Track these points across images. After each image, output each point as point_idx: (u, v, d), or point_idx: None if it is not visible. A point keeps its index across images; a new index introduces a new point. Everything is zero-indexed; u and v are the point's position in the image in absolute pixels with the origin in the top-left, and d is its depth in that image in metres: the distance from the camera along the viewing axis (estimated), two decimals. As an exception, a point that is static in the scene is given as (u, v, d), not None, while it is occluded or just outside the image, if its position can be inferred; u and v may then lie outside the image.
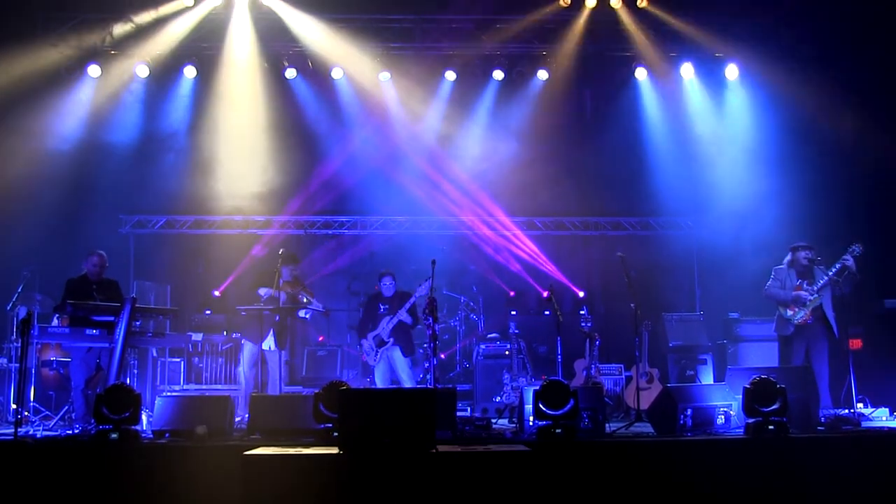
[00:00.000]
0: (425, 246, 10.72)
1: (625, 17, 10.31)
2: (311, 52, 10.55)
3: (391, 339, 8.81)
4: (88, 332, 7.49)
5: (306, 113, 10.99)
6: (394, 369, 8.89)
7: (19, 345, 8.11)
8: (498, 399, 9.16)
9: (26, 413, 8.01)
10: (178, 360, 10.20)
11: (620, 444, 6.45)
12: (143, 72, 10.33)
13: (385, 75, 10.68)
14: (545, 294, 9.33)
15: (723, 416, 6.79)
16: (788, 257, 8.27)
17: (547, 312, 10.83)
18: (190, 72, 10.48)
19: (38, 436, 6.82)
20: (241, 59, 10.44)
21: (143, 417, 6.97)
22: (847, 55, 9.87)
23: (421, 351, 10.07)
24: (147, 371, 9.51)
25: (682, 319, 10.23)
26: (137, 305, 7.59)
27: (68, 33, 10.13)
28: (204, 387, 10.12)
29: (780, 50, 10.11)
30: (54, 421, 7.74)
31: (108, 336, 7.44)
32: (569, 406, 6.30)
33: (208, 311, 10.83)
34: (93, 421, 6.45)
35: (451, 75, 10.74)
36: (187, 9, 10.10)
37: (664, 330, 10.04)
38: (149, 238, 11.44)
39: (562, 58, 10.62)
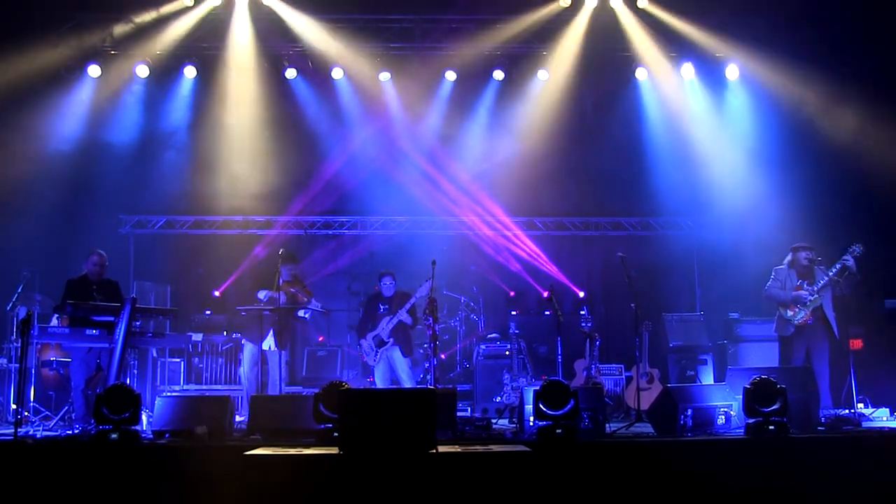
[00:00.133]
0: (425, 246, 10.71)
1: (625, 17, 10.32)
2: (311, 52, 10.54)
3: (391, 340, 8.81)
4: (88, 332, 7.49)
5: (306, 113, 10.98)
6: (393, 369, 8.88)
7: (19, 345, 8.10)
8: (498, 399, 9.15)
9: (26, 413, 8.01)
10: (178, 360, 10.19)
11: (621, 445, 6.44)
12: (143, 72, 10.33)
13: (385, 75, 10.69)
14: (545, 294, 9.33)
15: (723, 417, 6.79)
16: (789, 258, 8.27)
17: (547, 312, 10.83)
18: (190, 72, 10.47)
19: (38, 436, 6.82)
20: (241, 59, 10.43)
21: (143, 418, 6.97)
22: (847, 55, 9.86)
23: (421, 351, 10.07)
24: (147, 371, 9.51)
25: (682, 320, 10.23)
26: (137, 306, 7.58)
27: (68, 33, 10.12)
28: (204, 387, 10.12)
29: (781, 50, 10.10)
30: (54, 421, 7.73)
31: (108, 336, 7.44)
32: (569, 406, 6.30)
33: (208, 312, 10.82)
34: (93, 421, 6.44)
35: (451, 75, 10.74)
36: (187, 9, 10.10)
37: (664, 330, 10.03)
38: (149, 238, 11.43)
39: (562, 58, 10.62)
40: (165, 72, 10.54)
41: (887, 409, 7.90)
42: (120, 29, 10.21)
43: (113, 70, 10.37)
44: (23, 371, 6.99)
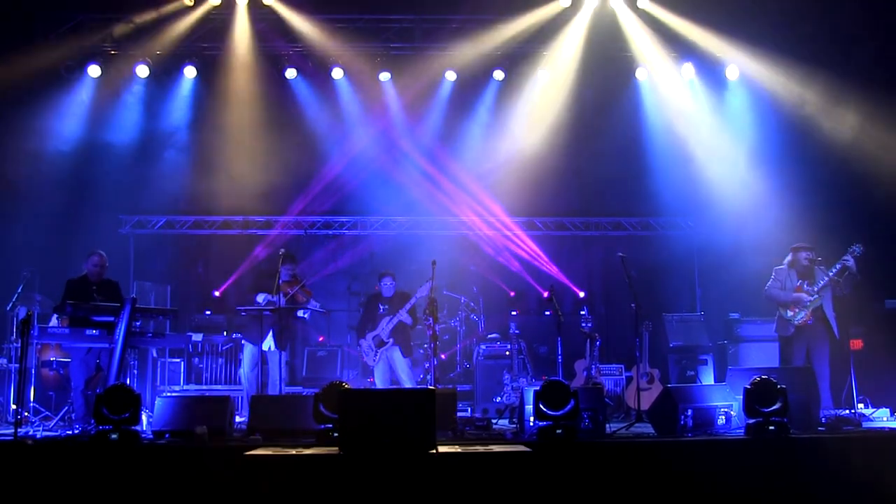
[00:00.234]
0: (426, 246, 10.72)
1: (625, 17, 10.32)
2: (311, 52, 10.54)
3: (391, 340, 8.80)
4: (88, 332, 7.48)
5: (306, 113, 10.98)
6: (393, 370, 8.88)
7: (19, 345, 8.10)
8: (498, 399, 9.15)
9: (26, 413, 8.00)
10: (178, 360, 10.20)
11: (621, 445, 6.44)
12: (143, 72, 10.32)
13: (385, 75, 10.68)
14: (546, 294, 9.32)
15: (723, 417, 6.78)
16: (789, 258, 8.26)
17: (547, 313, 10.83)
18: (190, 72, 10.47)
19: (38, 436, 6.81)
20: (241, 59, 10.43)
21: (143, 418, 6.96)
22: (847, 55, 9.87)
23: (421, 351, 10.06)
24: (147, 371, 9.51)
25: (682, 320, 10.23)
26: (137, 306, 7.58)
27: (68, 33, 10.13)
28: (204, 387, 10.13)
29: (781, 51, 10.10)
30: (54, 421, 7.72)
31: (108, 336, 7.43)
32: (569, 406, 6.29)
33: (208, 312, 10.83)
34: (93, 421, 6.44)
35: (451, 75, 10.73)
36: (187, 9, 10.09)
37: (665, 330, 10.03)
38: (149, 238, 11.43)
39: (562, 58, 10.62)
40: (165, 72, 10.54)
41: (888, 410, 7.90)
42: (120, 29, 10.20)
43: (113, 70, 10.36)
44: (23, 371, 6.98)
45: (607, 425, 6.99)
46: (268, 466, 5.40)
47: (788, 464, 6.09)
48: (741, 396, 6.50)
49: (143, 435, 6.58)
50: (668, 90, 10.85)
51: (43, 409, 8.23)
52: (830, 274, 7.88)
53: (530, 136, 11.00)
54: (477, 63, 10.73)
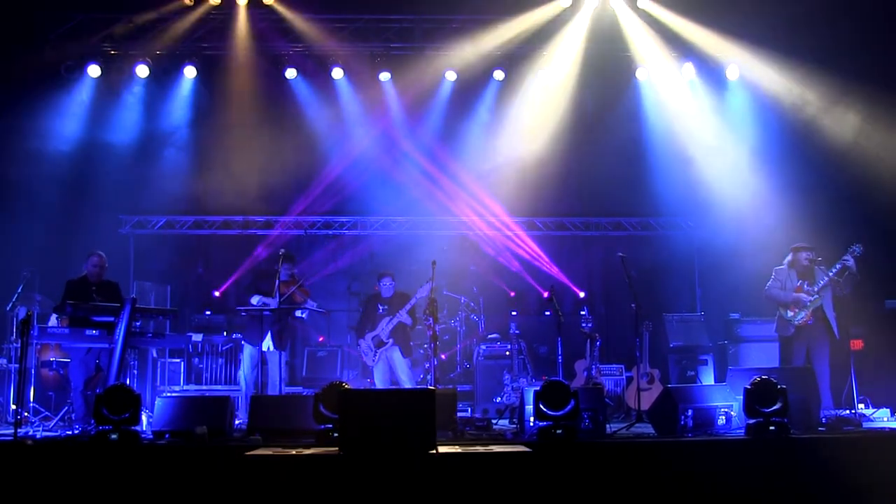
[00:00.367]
0: (426, 246, 10.71)
1: (625, 17, 10.32)
2: (311, 52, 10.55)
3: (390, 340, 8.80)
4: (88, 332, 7.48)
5: (306, 113, 10.98)
6: (393, 370, 8.87)
7: (19, 345, 8.10)
8: (498, 400, 9.15)
9: (26, 414, 7.99)
10: (178, 360, 10.20)
11: (621, 445, 6.43)
12: (143, 72, 10.32)
13: (385, 75, 10.68)
14: (546, 294, 9.32)
15: (724, 417, 6.77)
16: (789, 258, 8.26)
17: (547, 313, 10.82)
18: (190, 72, 10.47)
19: (38, 436, 6.81)
20: (241, 58, 10.43)
21: (143, 418, 6.96)
22: (847, 55, 9.86)
23: (421, 351, 10.06)
24: (147, 372, 9.51)
25: (682, 320, 10.23)
26: (137, 306, 7.57)
27: (68, 33, 10.13)
28: (204, 387, 10.12)
29: (781, 51, 10.10)
30: (54, 422, 7.72)
31: (108, 337, 7.43)
32: (569, 407, 6.29)
33: (208, 312, 10.82)
34: (92, 422, 6.43)
35: (451, 75, 10.73)
36: (187, 9, 10.08)
37: (665, 330, 10.03)
38: (149, 238, 11.43)
39: (562, 58, 10.62)
40: (165, 72, 10.54)
41: (888, 410, 7.89)
42: (120, 29, 10.21)
43: (113, 70, 10.37)
44: (22, 371, 6.98)
45: (607, 425, 6.98)
46: (268, 466, 5.40)
47: (789, 464, 6.08)
48: (741, 396, 6.49)
49: (143, 435, 6.57)
50: (669, 90, 10.84)
51: (43, 410, 8.23)
52: (830, 274, 7.88)
53: (530, 136, 11.00)
54: (477, 63, 10.73)
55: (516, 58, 10.76)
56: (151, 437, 6.61)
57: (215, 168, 10.83)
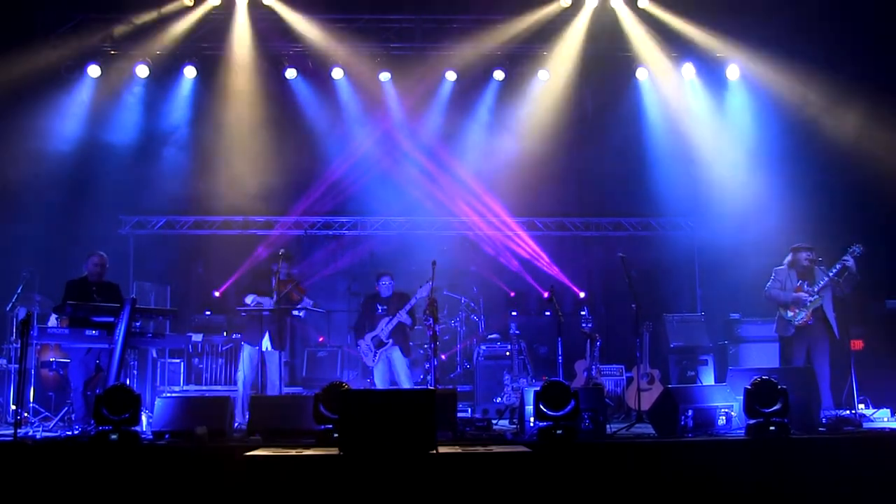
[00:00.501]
0: (426, 246, 10.71)
1: (625, 17, 10.32)
2: (311, 52, 10.55)
3: (390, 340, 8.78)
4: (88, 332, 7.47)
5: (306, 113, 10.98)
6: (393, 370, 8.85)
7: (19, 346, 8.09)
8: (498, 400, 9.14)
9: (26, 414, 7.99)
10: (178, 360, 10.19)
11: (621, 446, 6.43)
12: (143, 72, 10.32)
13: (385, 75, 10.68)
14: (546, 295, 9.30)
15: (724, 417, 6.77)
16: (789, 258, 8.25)
17: (548, 313, 10.82)
18: (190, 72, 10.47)
19: (38, 437, 6.81)
20: (241, 59, 10.43)
21: (143, 418, 6.96)
22: (848, 55, 9.86)
23: (421, 351, 10.06)
24: (147, 372, 9.50)
25: (682, 320, 10.22)
26: (137, 306, 7.57)
27: (68, 33, 10.13)
28: (204, 388, 10.11)
29: (782, 51, 10.09)
30: (54, 422, 7.71)
31: (108, 337, 7.42)
32: (570, 407, 6.28)
33: (208, 312, 10.82)
34: (92, 422, 6.43)
35: (451, 75, 10.73)
36: (187, 9, 10.10)
37: (665, 331, 10.02)
38: (149, 238, 11.42)
39: (562, 58, 10.62)
40: (165, 72, 10.54)
41: (888, 410, 7.88)
42: (120, 29, 10.22)
43: (113, 70, 10.37)
44: (22, 372, 6.97)
45: (608, 426, 6.98)
46: (268, 467, 5.40)
47: (789, 464, 6.07)
48: (742, 397, 6.49)
49: (143, 435, 6.57)
50: (669, 90, 10.84)
51: (42, 410, 8.23)
52: (830, 274, 7.87)
53: (530, 136, 11.00)
54: (477, 63, 10.73)
55: (516, 58, 10.76)
56: (151, 437, 6.60)
57: (215, 168, 10.84)
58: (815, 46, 9.95)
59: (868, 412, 7.81)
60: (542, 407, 6.31)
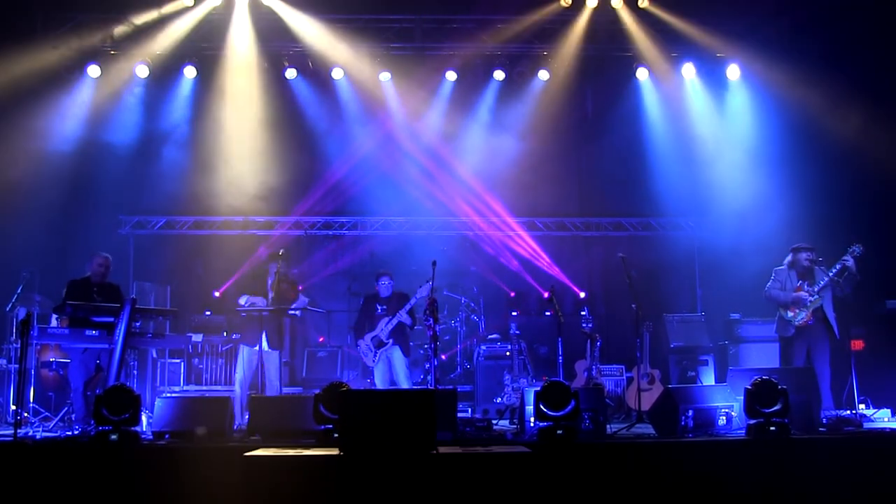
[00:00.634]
0: (426, 246, 10.71)
1: (626, 17, 10.32)
2: (311, 52, 10.54)
3: (390, 340, 8.77)
4: (88, 332, 7.48)
5: (306, 113, 10.98)
6: (393, 370, 8.84)
7: (19, 346, 8.09)
8: (499, 400, 9.14)
9: (26, 414, 8.00)
10: (178, 361, 10.18)
11: (622, 446, 6.43)
12: (143, 72, 10.32)
13: (385, 75, 10.68)
14: (546, 295, 9.31)
15: (724, 418, 6.77)
16: (789, 258, 8.25)
17: (548, 313, 10.81)
18: (190, 72, 10.47)
19: (38, 437, 6.81)
20: (242, 59, 10.43)
21: (143, 418, 6.96)
22: (849, 55, 9.86)
23: (421, 351, 10.05)
24: (147, 372, 9.50)
25: (683, 320, 10.21)
26: (137, 306, 7.57)
27: (68, 33, 10.14)
28: (204, 388, 10.10)
29: (782, 50, 10.10)
30: (54, 422, 7.72)
31: (108, 337, 7.43)
32: (570, 407, 6.28)
33: (208, 312, 10.81)
34: (92, 422, 6.43)
35: (451, 75, 10.73)
36: (187, 9, 10.11)
37: (665, 331, 10.02)
38: (149, 239, 11.42)
39: (563, 58, 10.62)
40: (165, 72, 10.54)
41: (888, 410, 7.89)
42: (120, 29, 10.22)
43: (113, 70, 10.37)
44: (22, 372, 6.97)
45: (608, 426, 6.98)
46: (268, 467, 5.40)
47: (789, 465, 6.07)
48: (742, 397, 6.49)
49: (143, 436, 6.57)
50: (669, 90, 10.84)
51: (42, 410, 8.23)
52: (830, 274, 7.86)
53: (531, 136, 10.99)
54: (477, 63, 10.74)
55: (516, 58, 10.76)
56: (151, 437, 6.60)
57: (215, 168, 10.83)
58: (815, 46, 9.94)
59: (868, 412, 7.81)
60: (542, 407, 6.31)
